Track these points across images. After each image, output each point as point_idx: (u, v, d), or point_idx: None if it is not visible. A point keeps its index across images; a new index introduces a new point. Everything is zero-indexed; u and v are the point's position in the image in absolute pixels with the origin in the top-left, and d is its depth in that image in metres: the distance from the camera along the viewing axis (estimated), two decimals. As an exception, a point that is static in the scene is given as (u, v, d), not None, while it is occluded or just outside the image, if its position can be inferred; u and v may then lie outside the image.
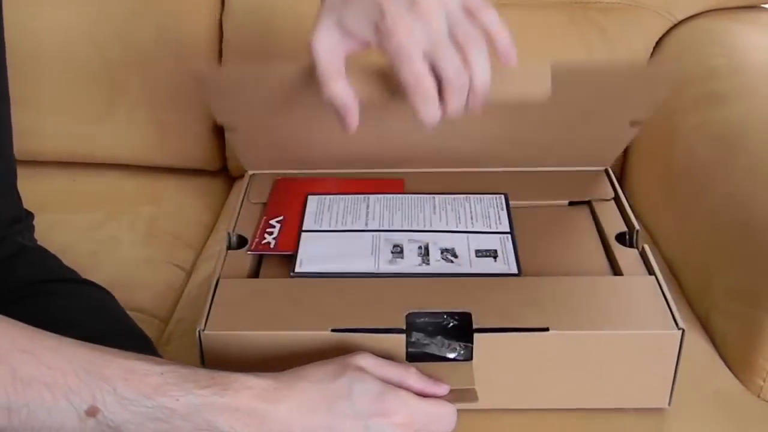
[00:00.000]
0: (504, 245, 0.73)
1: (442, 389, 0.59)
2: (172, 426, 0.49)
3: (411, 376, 0.58)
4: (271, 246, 0.74)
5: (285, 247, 0.73)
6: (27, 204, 0.78)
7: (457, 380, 0.62)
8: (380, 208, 0.78)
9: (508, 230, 0.75)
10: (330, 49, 0.58)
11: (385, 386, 0.55)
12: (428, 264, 0.71)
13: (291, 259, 0.72)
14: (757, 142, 0.79)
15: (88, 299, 0.73)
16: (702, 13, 1.03)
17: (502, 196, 0.79)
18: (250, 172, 0.85)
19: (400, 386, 0.56)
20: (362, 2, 0.57)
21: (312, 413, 0.53)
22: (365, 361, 0.57)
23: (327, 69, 0.58)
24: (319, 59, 0.58)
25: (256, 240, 0.75)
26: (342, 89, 0.59)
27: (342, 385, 0.54)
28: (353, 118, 0.61)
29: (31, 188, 0.79)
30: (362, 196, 0.80)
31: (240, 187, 0.83)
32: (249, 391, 0.52)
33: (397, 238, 0.74)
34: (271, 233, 0.76)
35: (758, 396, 0.72)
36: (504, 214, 0.77)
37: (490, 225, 0.76)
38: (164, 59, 1.04)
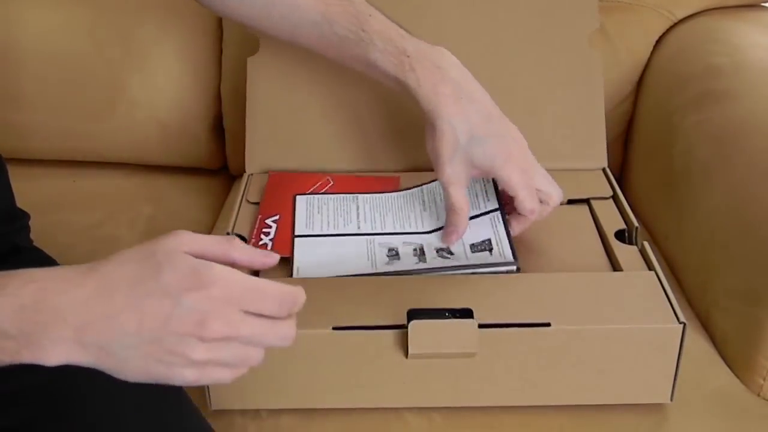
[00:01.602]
0: (496, 229, 0.73)
1: (271, 258, 0.52)
2: None
3: (235, 247, 0.50)
4: (268, 248, 0.74)
5: (281, 249, 0.73)
6: (26, 204, 0.78)
7: (460, 342, 0.62)
8: (370, 209, 0.78)
9: (497, 206, 0.75)
10: (459, 184, 0.70)
11: (199, 261, 0.47)
12: (425, 262, 0.71)
13: (288, 260, 0.72)
14: (757, 141, 0.79)
15: None
16: (702, 11, 1.03)
17: None
18: (249, 172, 0.86)
19: (223, 261, 0.49)
20: (492, 145, 0.69)
21: (110, 297, 0.45)
22: (179, 239, 0.48)
23: (458, 202, 0.70)
24: (451, 195, 0.70)
25: (253, 241, 0.75)
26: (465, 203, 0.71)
27: (149, 265, 0.46)
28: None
29: (31, 188, 0.79)
30: (351, 195, 0.80)
31: (239, 186, 0.84)
32: (34, 284, 0.45)
33: (391, 241, 0.74)
34: (267, 234, 0.76)
35: (758, 395, 0.72)
36: (490, 186, 0.77)
37: (479, 205, 0.76)
38: (164, 59, 1.04)
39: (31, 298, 0.45)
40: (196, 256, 0.47)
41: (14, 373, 0.58)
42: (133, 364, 0.47)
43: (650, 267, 0.70)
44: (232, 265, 0.49)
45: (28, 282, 0.45)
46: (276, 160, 0.86)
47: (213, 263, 0.47)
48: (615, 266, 0.72)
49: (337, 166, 0.85)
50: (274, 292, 0.48)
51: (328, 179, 0.83)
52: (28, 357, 0.46)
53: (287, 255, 0.73)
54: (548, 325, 0.63)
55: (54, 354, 0.46)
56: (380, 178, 0.83)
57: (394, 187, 0.82)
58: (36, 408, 0.57)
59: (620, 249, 0.73)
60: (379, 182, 0.82)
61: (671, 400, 0.66)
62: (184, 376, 0.47)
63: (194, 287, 0.46)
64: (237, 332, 0.47)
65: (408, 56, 0.69)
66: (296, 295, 0.48)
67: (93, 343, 0.46)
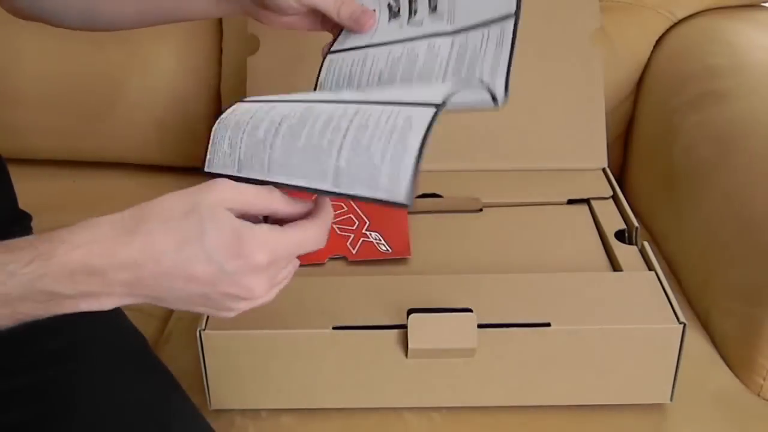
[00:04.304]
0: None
1: (307, 206, 0.52)
2: (16, 306, 0.47)
3: (276, 198, 0.50)
4: None
5: (300, 258, 0.73)
6: (26, 204, 0.78)
7: (460, 336, 0.62)
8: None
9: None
10: None
11: (241, 224, 0.47)
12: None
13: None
14: (756, 141, 0.79)
15: None
16: (702, 11, 1.03)
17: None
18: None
19: (266, 213, 0.50)
20: None
21: (157, 260, 0.46)
22: (222, 194, 0.48)
23: None
24: None
25: None
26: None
27: (192, 223, 0.47)
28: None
29: (31, 188, 0.79)
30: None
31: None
32: (79, 250, 0.46)
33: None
34: None
35: (758, 395, 0.72)
36: None
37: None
38: (164, 59, 1.04)
39: (80, 263, 0.46)
40: (239, 212, 0.48)
41: (15, 373, 0.58)
42: (180, 306, 0.50)
43: (650, 267, 0.70)
44: (274, 214, 0.50)
45: (74, 248, 0.46)
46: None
47: (254, 227, 0.47)
48: (615, 266, 0.72)
49: None
50: (312, 236, 0.50)
51: None
52: (85, 307, 0.48)
53: (305, 263, 0.73)
54: (548, 325, 0.63)
55: (109, 303, 0.48)
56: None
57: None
58: (36, 407, 0.57)
59: (620, 249, 0.73)
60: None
61: (671, 400, 0.66)
62: (227, 316, 0.51)
63: (238, 255, 0.47)
64: (279, 286, 0.51)
65: None
66: (328, 222, 0.51)
67: (143, 294, 0.48)
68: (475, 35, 0.58)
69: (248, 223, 0.47)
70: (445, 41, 0.60)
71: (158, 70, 1.05)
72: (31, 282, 0.46)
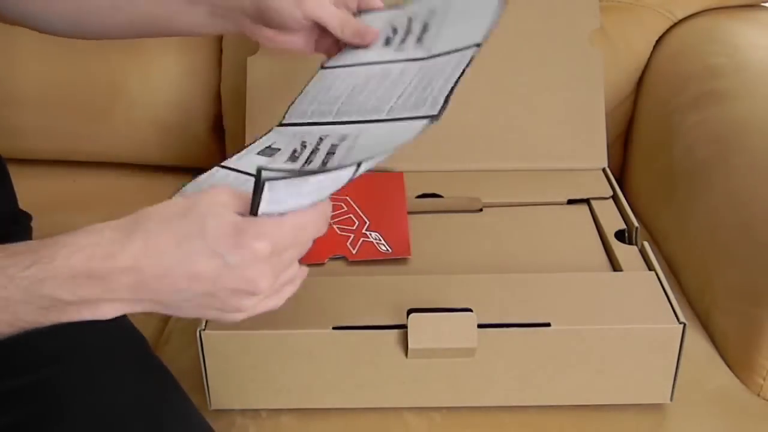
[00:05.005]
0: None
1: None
2: (17, 312, 0.46)
3: None
4: None
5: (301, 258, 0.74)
6: (26, 204, 0.78)
7: (459, 336, 0.62)
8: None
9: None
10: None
11: (242, 218, 0.47)
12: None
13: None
14: (756, 141, 0.79)
15: None
16: (702, 11, 1.03)
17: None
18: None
19: None
20: None
21: (159, 258, 0.46)
22: (219, 195, 0.48)
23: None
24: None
25: None
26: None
27: (193, 219, 0.47)
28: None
29: (31, 188, 0.79)
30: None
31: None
32: (81, 253, 0.46)
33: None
34: None
35: (758, 395, 0.72)
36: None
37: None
38: (164, 59, 1.04)
39: (82, 267, 0.46)
40: (237, 212, 0.48)
41: (13, 373, 0.58)
42: (187, 311, 0.49)
43: (650, 267, 0.70)
44: None
45: (75, 252, 0.46)
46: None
47: (253, 218, 0.47)
48: (615, 266, 0.72)
49: None
50: (311, 221, 0.49)
51: None
52: (88, 315, 0.47)
53: (305, 263, 0.73)
54: (548, 325, 0.63)
55: (111, 311, 0.48)
56: (383, 174, 0.83)
57: (398, 184, 0.82)
58: (34, 408, 0.57)
59: (620, 249, 0.73)
60: (382, 179, 0.82)
61: (671, 400, 0.66)
62: (235, 319, 0.50)
63: (240, 245, 0.46)
64: (285, 278, 0.50)
65: None
66: (326, 210, 0.50)
67: (147, 299, 0.47)
68: (442, 60, 0.64)
69: (247, 217, 0.47)
70: (417, 64, 0.65)
71: (158, 70, 1.05)
72: (31, 286, 0.46)
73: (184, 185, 0.60)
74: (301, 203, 0.49)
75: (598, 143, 0.87)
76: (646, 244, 0.72)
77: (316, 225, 0.50)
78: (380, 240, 0.76)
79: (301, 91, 0.69)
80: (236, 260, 0.46)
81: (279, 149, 0.63)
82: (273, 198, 0.47)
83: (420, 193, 0.83)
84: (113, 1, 0.70)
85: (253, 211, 0.47)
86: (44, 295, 0.46)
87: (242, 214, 0.48)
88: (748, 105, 0.84)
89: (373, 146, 0.57)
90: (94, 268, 0.46)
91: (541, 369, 0.65)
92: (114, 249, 0.46)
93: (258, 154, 0.63)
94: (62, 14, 0.70)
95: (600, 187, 0.83)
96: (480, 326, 0.62)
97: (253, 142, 0.65)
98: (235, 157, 0.64)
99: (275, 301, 0.51)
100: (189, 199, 0.48)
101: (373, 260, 0.74)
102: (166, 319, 0.86)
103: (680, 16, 1.03)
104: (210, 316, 0.50)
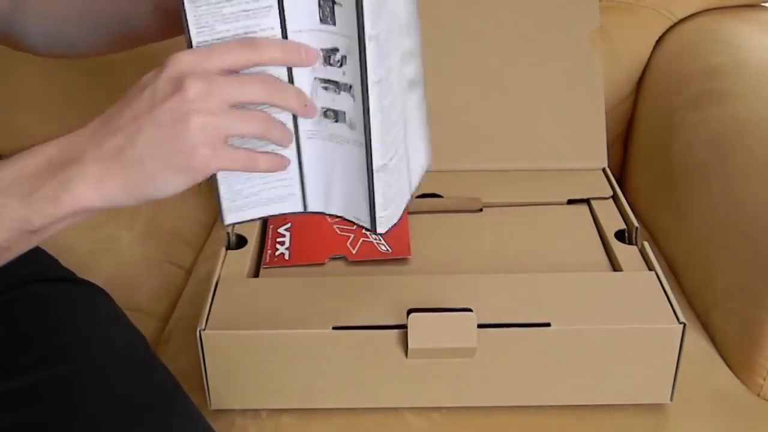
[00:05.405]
0: None
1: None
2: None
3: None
4: (286, 257, 0.74)
5: (301, 258, 0.74)
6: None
7: (459, 336, 0.62)
8: None
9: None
10: None
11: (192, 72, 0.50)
12: None
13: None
14: (756, 140, 0.79)
15: (82, 300, 0.73)
16: (702, 11, 1.03)
17: None
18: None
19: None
20: None
21: (109, 118, 0.50)
22: (183, 57, 0.51)
23: None
24: None
25: (269, 252, 0.75)
26: None
27: (143, 82, 0.50)
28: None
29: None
30: None
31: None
32: (53, 146, 0.52)
33: None
34: (282, 243, 0.76)
35: (758, 395, 0.72)
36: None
37: None
38: (163, 58, 1.04)
39: (57, 152, 0.51)
40: None
41: (13, 373, 0.58)
42: (154, 167, 0.49)
43: (650, 267, 0.70)
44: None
45: (42, 149, 0.52)
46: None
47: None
48: (615, 266, 0.72)
49: None
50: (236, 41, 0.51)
51: None
52: (68, 201, 0.49)
53: (306, 263, 0.73)
54: (548, 325, 0.63)
55: (87, 190, 0.49)
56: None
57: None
58: (35, 408, 0.57)
59: (620, 249, 0.73)
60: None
61: (671, 400, 0.66)
62: (200, 154, 0.49)
63: (164, 66, 0.50)
64: (217, 85, 0.49)
65: None
66: (298, 45, 0.51)
67: (111, 159, 0.49)
68: None
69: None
70: None
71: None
72: (10, 173, 0.49)
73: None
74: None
75: (598, 143, 0.87)
76: (646, 244, 0.72)
77: (242, 43, 0.50)
78: (380, 240, 0.76)
79: None
80: (162, 76, 0.49)
81: None
82: (199, 22, 0.50)
83: (420, 193, 0.83)
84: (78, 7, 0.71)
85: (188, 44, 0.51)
86: (24, 176, 0.49)
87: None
88: (748, 105, 0.84)
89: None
90: (63, 151, 0.51)
91: (541, 369, 0.65)
92: (78, 132, 0.52)
93: None
94: (38, 31, 0.73)
95: (600, 187, 0.83)
96: (480, 326, 0.62)
97: None
98: None
99: (242, 154, 0.52)
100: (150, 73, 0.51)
101: (373, 260, 0.74)
102: (166, 319, 0.86)
103: (680, 16, 1.03)
104: (177, 162, 0.50)
